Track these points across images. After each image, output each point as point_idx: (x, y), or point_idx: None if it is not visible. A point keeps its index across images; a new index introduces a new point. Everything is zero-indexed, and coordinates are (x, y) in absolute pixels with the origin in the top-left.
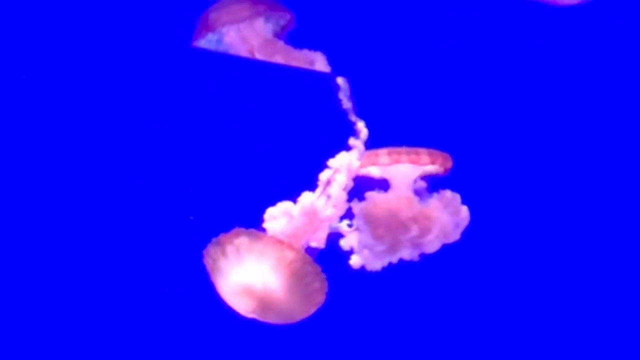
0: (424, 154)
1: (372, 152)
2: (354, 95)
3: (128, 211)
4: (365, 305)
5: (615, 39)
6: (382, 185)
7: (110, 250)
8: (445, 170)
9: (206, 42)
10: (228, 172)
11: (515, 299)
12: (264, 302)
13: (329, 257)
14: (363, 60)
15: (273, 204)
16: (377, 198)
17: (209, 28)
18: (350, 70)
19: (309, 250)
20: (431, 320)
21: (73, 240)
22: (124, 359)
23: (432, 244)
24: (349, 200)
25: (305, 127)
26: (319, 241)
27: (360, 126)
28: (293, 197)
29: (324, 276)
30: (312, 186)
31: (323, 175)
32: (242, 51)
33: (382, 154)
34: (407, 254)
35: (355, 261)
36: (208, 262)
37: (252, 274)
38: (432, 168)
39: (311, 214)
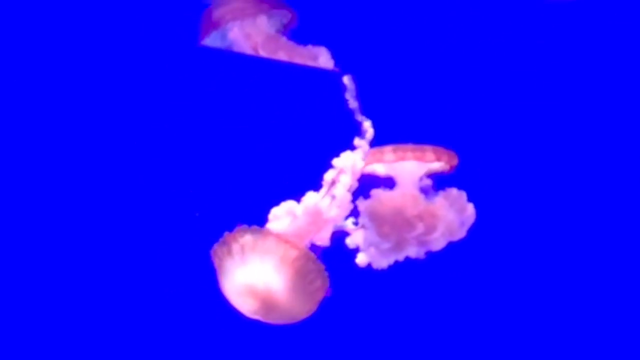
0: (429, 151)
1: (378, 149)
2: (359, 93)
3: (133, 210)
4: (371, 303)
5: (617, 36)
6: (388, 183)
7: (116, 250)
8: (451, 167)
9: (210, 39)
10: (233, 171)
11: (521, 297)
12: (267, 302)
13: (335, 255)
14: (367, 58)
15: (278, 203)
16: (382, 196)
17: (214, 26)
18: (355, 68)
19: (314, 248)
20: (437, 317)
21: (77, 239)
22: (128, 358)
23: (437, 242)
24: (355, 197)
25: (311, 126)
26: (323, 241)
27: (367, 126)
28: (297, 196)
29: (326, 274)
30: (316, 185)
31: (328, 176)
32: (246, 48)
33: (388, 151)
34: (413, 251)
35: (361, 259)
36: (216, 262)
37: (255, 273)
38: (437, 165)
39: (315, 214)
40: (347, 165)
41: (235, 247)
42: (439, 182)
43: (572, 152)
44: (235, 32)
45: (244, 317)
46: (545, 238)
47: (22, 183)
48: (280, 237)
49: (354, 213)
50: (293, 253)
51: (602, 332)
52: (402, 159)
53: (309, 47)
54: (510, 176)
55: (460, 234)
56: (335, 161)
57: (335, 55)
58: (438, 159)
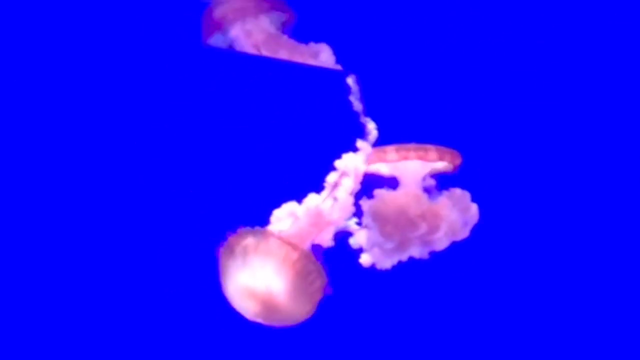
0: (432, 150)
1: (380, 148)
2: (362, 94)
3: (134, 211)
4: (375, 303)
5: (618, 36)
6: (392, 183)
7: (118, 252)
8: (455, 167)
9: (212, 38)
10: (235, 172)
11: (524, 297)
12: (269, 304)
13: (339, 255)
14: (370, 57)
15: (280, 204)
16: (385, 196)
17: (217, 27)
18: (357, 68)
19: (316, 249)
20: (441, 317)
21: (79, 240)
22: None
23: (441, 242)
24: (358, 197)
25: (314, 127)
26: (324, 242)
27: (371, 127)
28: (299, 197)
29: (324, 274)
30: (319, 187)
31: (330, 178)
32: (247, 46)
33: (390, 150)
34: (416, 252)
35: (365, 259)
36: (220, 264)
37: (257, 275)
38: (440, 165)
39: (317, 216)
40: (349, 168)
41: (238, 249)
42: (442, 182)
43: (576, 153)
44: (236, 30)
45: (246, 320)
46: (548, 238)
47: (25, 183)
48: (282, 239)
49: (357, 213)
50: (294, 255)
51: (604, 331)
52: (405, 158)
53: (311, 44)
54: (513, 176)
55: (463, 233)
56: (338, 163)
57: (337, 55)
58: (441, 159)
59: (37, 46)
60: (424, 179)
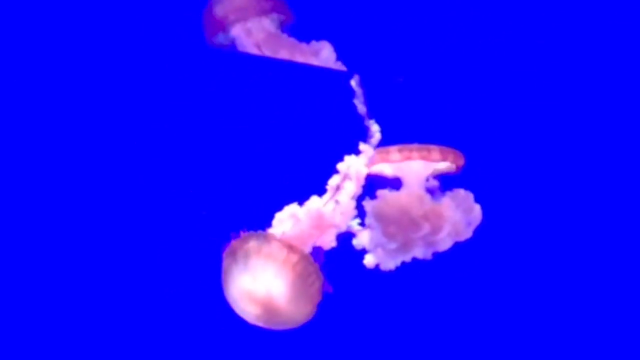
0: (435, 150)
1: (384, 149)
2: (366, 95)
3: (136, 213)
4: (378, 303)
5: (620, 35)
6: (395, 184)
7: (119, 255)
8: (458, 168)
9: (215, 38)
10: (238, 174)
11: (527, 297)
12: (270, 307)
13: (342, 256)
14: (372, 58)
15: (282, 205)
16: (388, 196)
17: (220, 27)
18: (360, 69)
19: (318, 251)
20: (444, 317)
21: (81, 241)
22: None
23: (444, 242)
24: (361, 198)
25: (317, 128)
26: (325, 244)
27: (374, 130)
28: (302, 199)
29: (321, 275)
30: (321, 189)
31: (332, 181)
32: (249, 45)
33: (393, 150)
34: (419, 252)
35: (369, 260)
36: (223, 270)
37: (258, 278)
38: (443, 166)
39: (318, 219)
40: (352, 172)
41: (240, 253)
42: (445, 183)
43: (579, 153)
44: (237, 30)
45: (247, 324)
46: (551, 238)
47: (26, 183)
48: (283, 242)
49: (360, 214)
50: (294, 257)
51: (606, 330)
52: (408, 158)
53: (312, 42)
54: (516, 177)
55: (466, 234)
56: (340, 165)
57: (339, 55)
58: (444, 159)
59: (38, 46)
60: (427, 179)
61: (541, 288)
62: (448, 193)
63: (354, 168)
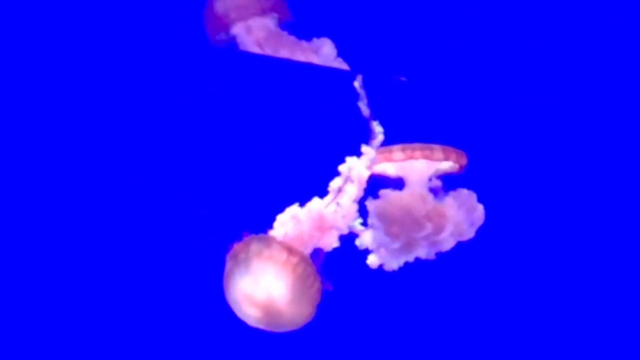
0: (437, 149)
1: (386, 148)
2: (368, 95)
3: (137, 216)
4: (381, 303)
5: (623, 34)
6: (398, 185)
7: (120, 257)
8: (460, 167)
9: (216, 36)
10: (241, 174)
11: (530, 297)
12: (270, 310)
13: (344, 257)
14: (374, 58)
15: (284, 206)
16: (391, 196)
17: (220, 25)
18: (362, 69)
19: (319, 252)
20: (447, 317)
21: (81, 244)
22: None
23: (446, 242)
24: (364, 198)
25: (320, 129)
26: (326, 246)
27: (378, 131)
28: (303, 200)
29: (319, 276)
30: (323, 190)
31: (334, 183)
32: (249, 42)
33: (396, 149)
34: (423, 252)
35: (372, 260)
36: (225, 274)
37: (259, 281)
38: (446, 165)
39: (319, 220)
40: (354, 175)
41: (242, 256)
42: (449, 183)
43: (582, 153)
44: (238, 28)
45: (248, 327)
46: (555, 238)
47: (27, 183)
48: (283, 244)
49: (363, 213)
50: (294, 259)
51: (609, 330)
52: (411, 157)
53: (314, 40)
54: (519, 177)
55: (469, 234)
56: (341, 167)
57: (340, 54)
58: (447, 158)
59: (39, 46)
60: (430, 179)
61: (544, 288)
62: (451, 193)
63: (355, 171)
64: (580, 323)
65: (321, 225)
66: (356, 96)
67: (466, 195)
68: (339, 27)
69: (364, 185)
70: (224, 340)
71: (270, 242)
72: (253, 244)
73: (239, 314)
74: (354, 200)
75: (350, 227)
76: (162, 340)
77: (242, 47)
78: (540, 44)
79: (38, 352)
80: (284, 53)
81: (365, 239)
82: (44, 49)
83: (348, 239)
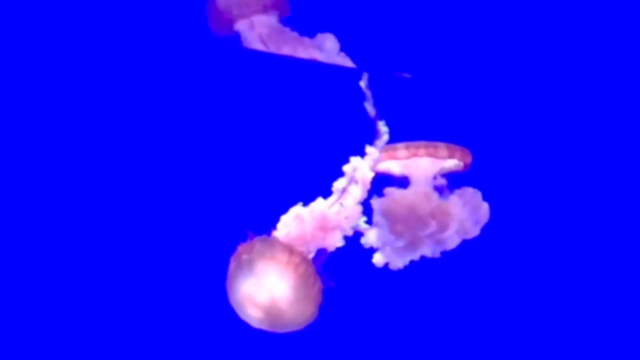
0: (442, 147)
1: (391, 146)
2: (372, 92)
3: (139, 216)
4: (386, 301)
5: (628, 33)
6: (403, 183)
7: (123, 259)
8: (465, 166)
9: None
10: (245, 175)
11: (535, 295)
12: (273, 310)
13: (350, 256)
14: (378, 56)
15: (288, 206)
16: (395, 194)
17: (225, 22)
18: (366, 67)
19: (323, 251)
20: (452, 315)
21: (84, 246)
22: None
23: (451, 240)
24: (369, 196)
25: (325, 128)
26: (330, 246)
27: (383, 131)
28: (307, 199)
29: (319, 276)
30: (327, 189)
31: (338, 184)
32: (253, 39)
33: (401, 147)
34: (428, 251)
35: (377, 259)
36: (229, 276)
37: (261, 282)
38: (451, 164)
39: (322, 220)
40: (358, 176)
41: (245, 258)
42: (454, 181)
43: (587, 151)
44: (241, 24)
45: (251, 328)
46: (559, 236)
47: (28, 183)
48: (284, 244)
49: (368, 212)
50: (296, 259)
51: (614, 328)
52: (415, 155)
53: (318, 35)
54: (524, 175)
55: (473, 232)
56: (345, 167)
57: (343, 52)
58: (451, 156)
59: (40, 45)
60: (435, 178)
61: (549, 285)
62: (456, 191)
63: (360, 172)
64: (586, 320)
65: (324, 225)
66: (360, 94)
67: (471, 193)
68: (341, 23)
69: (368, 186)
70: (227, 341)
71: (272, 243)
72: (256, 246)
73: (242, 316)
74: (358, 202)
75: (354, 226)
76: (166, 342)
77: (245, 44)
78: (545, 42)
79: (40, 353)
80: (286, 50)
81: (370, 237)
82: (47, 44)
83: (353, 238)
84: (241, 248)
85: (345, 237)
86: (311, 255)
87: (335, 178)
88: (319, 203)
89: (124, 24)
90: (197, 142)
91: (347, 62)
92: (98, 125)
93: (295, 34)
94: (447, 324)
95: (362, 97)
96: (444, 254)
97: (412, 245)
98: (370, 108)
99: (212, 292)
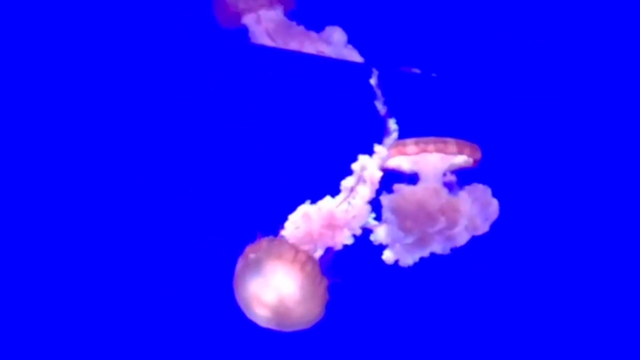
0: (451, 143)
1: (400, 141)
2: (382, 87)
3: (146, 214)
4: (394, 298)
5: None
6: (412, 180)
7: (130, 260)
8: (475, 162)
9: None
10: (253, 173)
11: (545, 292)
12: (281, 309)
13: (359, 252)
14: (387, 51)
15: (296, 204)
16: (405, 190)
17: (231, 15)
18: (374, 62)
19: (330, 250)
20: (461, 312)
21: (88, 247)
22: None
23: (460, 236)
24: (378, 193)
25: (333, 126)
26: (337, 245)
27: (393, 129)
28: (315, 197)
29: (325, 274)
30: (337, 185)
31: (346, 182)
32: (260, 33)
33: (410, 143)
34: (438, 248)
35: (387, 256)
36: (236, 275)
37: (269, 280)
38: (461, 160)
39: (329, 219)
40: (366, 176)
41: (252, 257)
42: (463, 178)
43: (597, 147)
44: (248, 19)
45: (259, 327)
46: (569, 233)
47: (32, 184)
48: (292, 243)
49: (377, 208)
50: (303, 257)
51: (621, 326)
52: (424, 151)
53: (327, 28)
54: (534, 171)
55: (484, 228)
56: (354, 165)
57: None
58: (460, 151)
59: (40, 44)
60: (444, 174)
61: (558, 282)
62: (466, 187)
63: (368, 172)
64: (594, 316)
65: (332, 224)
66: (370, 90)
67: (481, 189)
68: (347, 17)
69: (377, 186)
70: (235, 341)
71: (279, 242)
72: (263, 245)
73: (249, 315)
74: (366, 202)
75: (363, 224)
76: (174, 342)
77: (253, 38)
78: (555, 38)
79: (42, 353)
80: (294, 44)
81: (380, 234)
82: (47, 39)
83: (362, 235)
84: (248, 248)
85: (354, 235)
86: (319, 254)
87: (343, 176)
88: (327, 201)
89: (130, 16)
90: (203, 138)
91: (355, 56)
92: (106, 122)
93: (301, 28)
94: (456, 321)
95: (371, 93)
96: (454, 250)
97: (421, 241)
98: (380, 106)
99: (219, 292)
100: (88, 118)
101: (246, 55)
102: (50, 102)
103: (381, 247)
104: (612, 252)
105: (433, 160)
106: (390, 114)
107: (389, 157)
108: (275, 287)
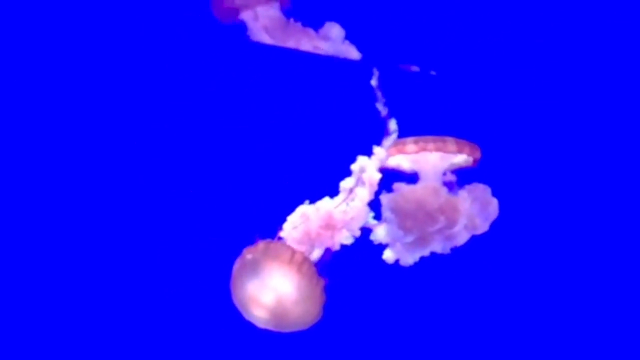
0: (451, 142)
1: (399, 140)
2: (384, 92)
3: (144, 215)
4: (395, 298)
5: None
6: (412, 180)
7: (128, 261)
8: (474, 161)
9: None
10: (252, 173)
11: (545, 291)
12: (278, 310)
13: (358, 252)
14: (386, 50)
15: (294, 205)
16: (404, 189)
17: (231, 13)
18: (375, 62)
19: (328, 250)
20: (460, 311)
21: (88, 248)
22: None
23: (460, 235)
24: (378, 192)
25: (332, 125)
26: (335, 245)
27: (393, 129)
28: (314, 198)
29: (321, 275)
30: (335, 186)
31: (345, 183)
32: (258, 30)
33: (409, 142)
34: (438, 247)
35: (388, 256)
36: (234, 277)
37: (266, 281)
38: (460, 159)
39: (327, 219)
40: (365, 178)
41: (249, 259)
42: (463, 177)
43: (597, 147)
44: (246, 15)
45: (257, 329)
46: (569, 232)
47: (33, 184)
48: (288, 244)
49: (377, 207)
50: (299, 258)
51: (623, 325)
52: (424, 149)
53: (326, 24)
54: (534, 171)
55: (483, 228)
56: (353, 166)
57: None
58: (460, 150)
59: (40, 44)
60: (444, 174)
61: (558, 282)
62: (466, 187)
63: (367, 174)
64: (594, 316)
65: (330, 224)
66: (369, 89)
67: (481, 189)
68: (344, 14)
69: (375, 188)
70: (233, 343)
71: (276, 243)
72: (259, 246)
73: (247, 316)
74: (365, 203)
75: (363, 225)
76: (171, 343)
77: (251, 35)
78: (555, 37)
79: (43, 353)
80: (292, 42)
81: (379, 233)
82: (47, 38)
83: (362, 234)
84: (245, 249)
85: (354, 235)
86: (318, 254)
87: (342, 176)
88: (326, 202)
89: (128, 12)
90: (199, 137)
91: (353, 53)
92: (104, 121)
93: (299, 25)
94: (456, 321)
95: (370, 91)
96: (454, 250)
97: (421, 241)
98: (381, 107)
99: (217, 293)
100: (85, 115)
101: (243, 53)
102: (48, 100)
103: (381, 247)
104: (612, 251)
105: (433, 159)
106: (390, 114)
107: (388, 156)
108: (273, 288)
